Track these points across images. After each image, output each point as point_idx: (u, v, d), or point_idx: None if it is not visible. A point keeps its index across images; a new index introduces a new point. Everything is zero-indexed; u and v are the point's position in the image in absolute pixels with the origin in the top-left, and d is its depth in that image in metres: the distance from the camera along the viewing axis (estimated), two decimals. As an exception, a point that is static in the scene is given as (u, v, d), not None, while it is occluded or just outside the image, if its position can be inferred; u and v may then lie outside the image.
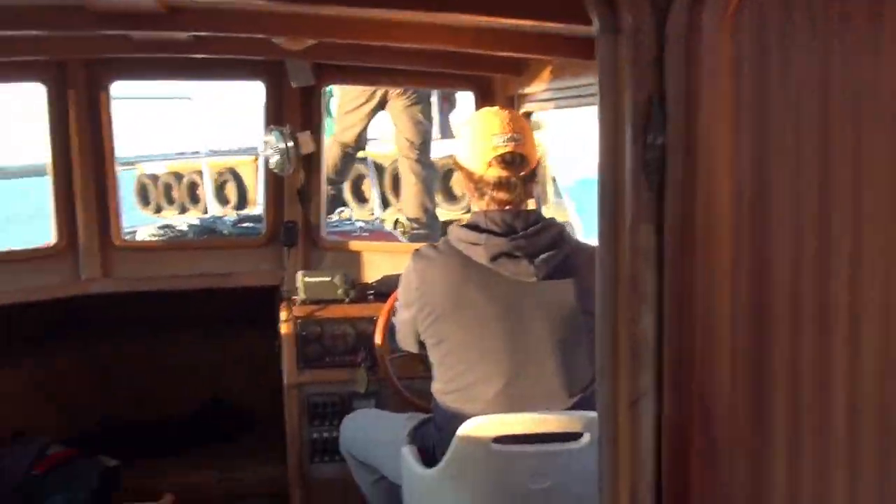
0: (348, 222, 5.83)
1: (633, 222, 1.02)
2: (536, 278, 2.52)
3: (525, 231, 2.54)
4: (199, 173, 9.37)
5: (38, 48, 3.42)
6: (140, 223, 6.02)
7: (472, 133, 2.64)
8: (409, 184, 6.27)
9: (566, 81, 3.31)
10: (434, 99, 6.43)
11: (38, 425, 3.95)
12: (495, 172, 2.57)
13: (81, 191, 3.90)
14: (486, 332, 2.54)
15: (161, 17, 2.77)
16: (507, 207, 2.59)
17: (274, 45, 3.36)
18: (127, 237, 4.41)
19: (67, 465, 3.67)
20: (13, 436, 3.80)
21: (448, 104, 6.36)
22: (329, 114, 6.00)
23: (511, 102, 3.77)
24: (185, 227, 4.56)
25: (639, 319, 1.04)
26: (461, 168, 2.68)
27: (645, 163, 1.00)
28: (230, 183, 13.35)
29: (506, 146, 2.56)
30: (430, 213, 6.29)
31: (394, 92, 5.84)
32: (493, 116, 2.65)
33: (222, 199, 12.80)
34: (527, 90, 3.58)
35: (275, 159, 3.93)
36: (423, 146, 6.13)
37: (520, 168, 2.58)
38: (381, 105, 5.93)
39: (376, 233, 5.59)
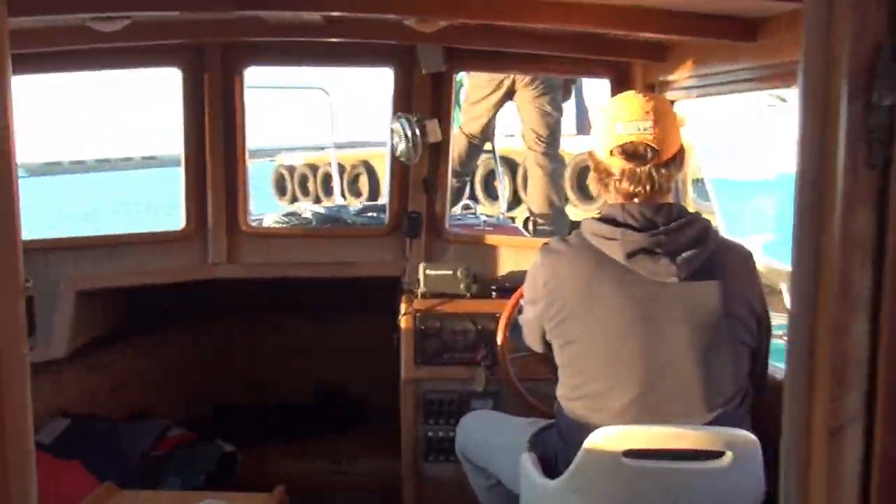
0: (472, 216, 5.70)
1: (846, 205, 0.81)
2: (677, 278, 2.29)
3: (667, 226, 2.31)
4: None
5: (175, 31, 3.44)
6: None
7: (601, 118, 2.45)
8: (535, 177, 6.07)
9: (715, 67, 3.06)
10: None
11: (158, 406, 4.00)
12: (617, 162, 2.36)
13: (213, 176, 3.91)
14: (620, 336, 2.33)
15: None
16: (636, 200, 2.36)
17: (405, 29, 3.24)
18: (254, 223, 4.42)
19: (188, 447, 3.69)
20: (134, 415, 3.87)
21: (567, 93, 6.03)
22: (458, 104, 5.87)
23: (651, 91, 3.53)
24: (309, 216, 4.54)
25: (847, 328, 0.82)
26: (590, 155, 2.49)
27: (866, 129, 0.79)
28: (363, 175, 13.50)
29: (629, 135, 2.34)
30: (556, 209, 6.06)
31: (521, 82, 5.65)
32: (623, 102, 2.43)
33: (354, 192, 12.94)
34: (669, 77, 3.33)
35: (401, 147, 3.83)
36: (550, 138, 5.91)
37: (645, 159, 2.34)
38: (509, 95, 5.75)
39: (501, 227, 5.43)
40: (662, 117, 2.37)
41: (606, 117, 2.41)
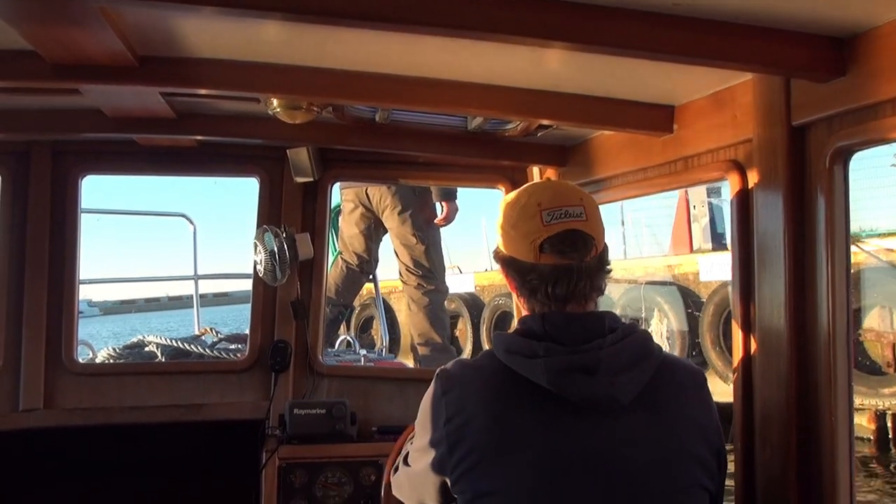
0: (350, 352, 5.11)
1: None
2: (622, 404, 1.77)
3: (603, 339, 1.80)
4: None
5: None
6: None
7: (512, 211, 1.92)
8: (411, 314, 5.58)
9: (625, 167, 2.71)
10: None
11: None
12: (550, 260, 1.86)
13: (30, 304, 3.24)
14: (548, 486, 1.77)
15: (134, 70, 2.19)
16: (568, 308, 1.86)
17: (271, 123, 2.78)
18: (83, 359, 3.68)
19: None
20: None
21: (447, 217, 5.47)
22: (335, 226, 5.37)
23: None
24: (154, 349, 3.83)
25: None
26: (503, 260, 1.96)
27: None
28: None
29: (560, 223, 1.86)
30: (438, 347, 5.52)
31: (382, 205, 5.21)
32: (542, 187, 1.97)
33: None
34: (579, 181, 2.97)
35: (265, 264, 3.29)
36: (421, 267, 5.43)
37: (583, 251, 1.86)
38: (377, 221, 5.29)
39: (383, 362, 4.85)
40: (590, 203, 1.91)
41: (524, 206, 1.90)
